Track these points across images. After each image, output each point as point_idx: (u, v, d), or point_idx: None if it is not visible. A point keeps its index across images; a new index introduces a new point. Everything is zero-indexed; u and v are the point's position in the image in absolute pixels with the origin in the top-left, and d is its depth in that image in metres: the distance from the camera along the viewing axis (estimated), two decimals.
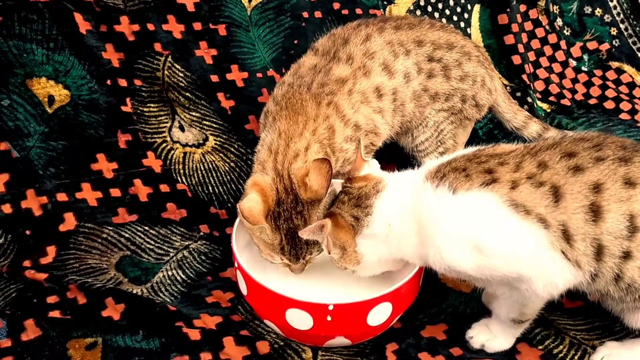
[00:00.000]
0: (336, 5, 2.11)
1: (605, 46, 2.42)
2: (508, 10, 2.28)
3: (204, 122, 1.95)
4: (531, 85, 2.25)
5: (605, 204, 1.23)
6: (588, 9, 2.43)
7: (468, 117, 1.84)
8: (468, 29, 2.28)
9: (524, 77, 2.25)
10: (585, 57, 2.42)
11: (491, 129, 2.14)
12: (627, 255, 1.24)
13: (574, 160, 1.26)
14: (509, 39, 2.26)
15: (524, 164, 1.28)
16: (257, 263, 1.51)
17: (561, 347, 1.47)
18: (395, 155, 1.95)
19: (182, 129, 1.92)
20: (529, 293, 1.31)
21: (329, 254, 1.39)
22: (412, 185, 1.34)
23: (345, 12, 2.12)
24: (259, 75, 2.02)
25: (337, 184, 1.50)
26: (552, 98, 2.30)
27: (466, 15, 2.28)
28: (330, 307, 1.34)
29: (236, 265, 1.46)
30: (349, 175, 1.42)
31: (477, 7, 2.30)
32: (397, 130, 1.78)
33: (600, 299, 1.39)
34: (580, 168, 1.25)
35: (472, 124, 1.92)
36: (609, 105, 2.29)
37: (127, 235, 1.71)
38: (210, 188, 1.87)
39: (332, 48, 1.69)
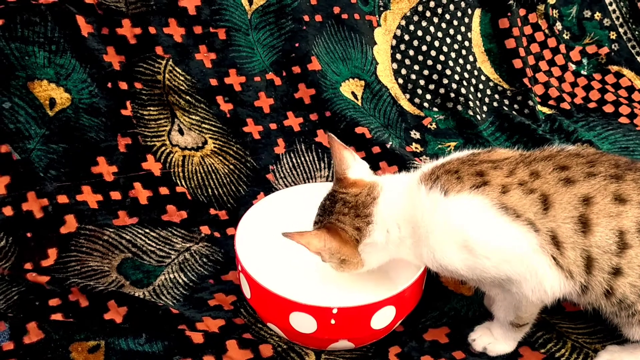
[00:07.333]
0: (336, 10, 2.11)
1: (604, 50, 2.43)
2: (509, 14, 2.29)
3: (203, 125, 1.95)
4: (532, 88, 2.26)
5: (594, 217, 1.23)
6: (587, 13, 2.44)
7: None
8: (469, 33, 2.29)
9: (525, 80, 2.26)
10: (585, 60, 2.43)
11: (493, 132, 2.16)
12: (617, 272, 1.25)
13: (566, 173, 1.27)
14: (510, 43, 2.27)
15: (517, 171, 1.29)
16: (260, 266, 1.51)
17: (563, 350, 1.48)
18: (397, 159, 1.96)
19: (181, 132, 1.92)
20: (519, 296, 1.32)
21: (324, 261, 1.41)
22: (406, 189, 1.35)
23: (345, 16, 2.13)
24: (257, 79, 2.01)
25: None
26: (551, 102, 2.31)
27: (467, 20, 2.28)
28: (335, 311, 1.34)
29: (239, 268, 1.46)
30: (337, 175, 1.42)
31: (477, 12, 2.30)
32: None
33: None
34: (571, 180, 1.26)
35: None
36: (608, 109, 2.30)
37: (128, 237, 1.71)
38: (209, 190, 1.87)
39: None
